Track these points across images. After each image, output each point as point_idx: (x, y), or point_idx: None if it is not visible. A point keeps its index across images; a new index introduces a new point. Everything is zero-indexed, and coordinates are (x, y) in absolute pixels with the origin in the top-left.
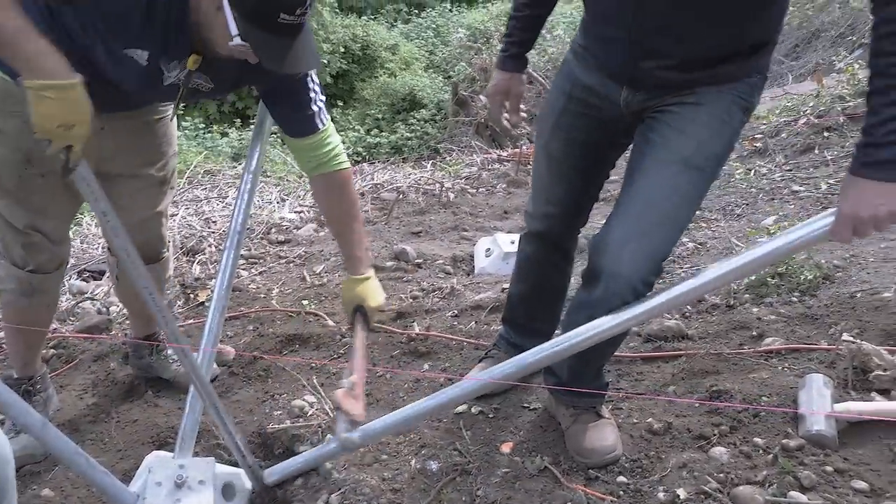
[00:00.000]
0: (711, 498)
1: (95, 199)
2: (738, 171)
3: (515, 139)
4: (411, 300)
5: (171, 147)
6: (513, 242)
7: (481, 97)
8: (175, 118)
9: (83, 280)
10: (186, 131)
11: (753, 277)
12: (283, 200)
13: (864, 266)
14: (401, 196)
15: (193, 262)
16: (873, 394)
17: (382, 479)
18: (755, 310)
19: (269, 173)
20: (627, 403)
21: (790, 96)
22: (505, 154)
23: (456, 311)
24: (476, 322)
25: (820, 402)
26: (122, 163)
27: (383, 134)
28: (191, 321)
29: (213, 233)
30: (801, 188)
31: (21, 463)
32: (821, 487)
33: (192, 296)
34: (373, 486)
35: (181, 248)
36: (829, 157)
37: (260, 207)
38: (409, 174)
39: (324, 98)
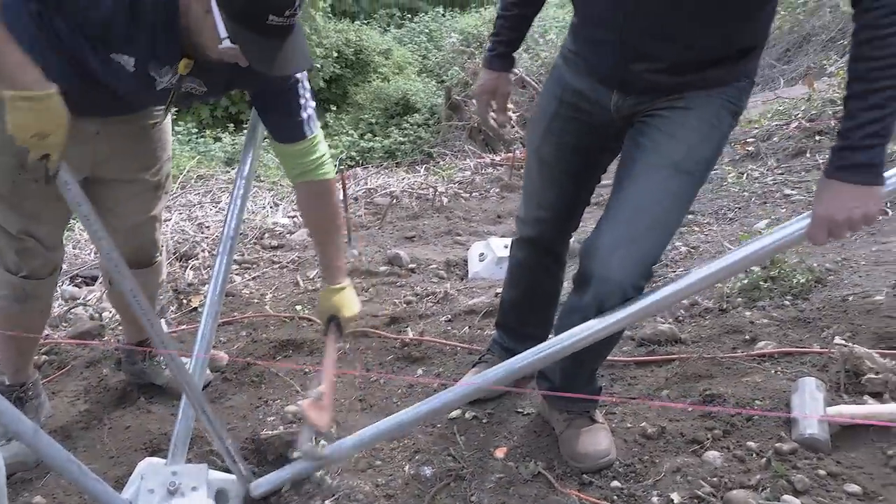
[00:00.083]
0: (705, 502)
1: (78, 204)
2: (730, 175)
3: (509, 143)
4: (405, 305)
5: (165, 152)
6: (506, 247)
7: (474, 101)
8: (169, 122)
9: (75, 286)
10: (179, 136)
11: (746, 281)
12: (277, 205)
13: (855, 269)
14: (394, 201)
15: (186, 267)
16: (865, 397)
17: (376, 485)
18: (748, 313)
19: (262, 178)
20: (621, 408)
21: (782, 100)
22: (498, 158)
23: (450, 316)
24: (470, 327)
25: (812, 406)
26: (117, 167)
27: (377, 138)
28: (184, 327)
29: (206, 238)
30: (793, 192)
31: (12, 470)
32: (814, 491)
33: (185, 301)
34: (366, 492)
35: (174, 254)
36: (821, 161)
37: (253, 212)
38: (403, 179)
39: (314, 105)
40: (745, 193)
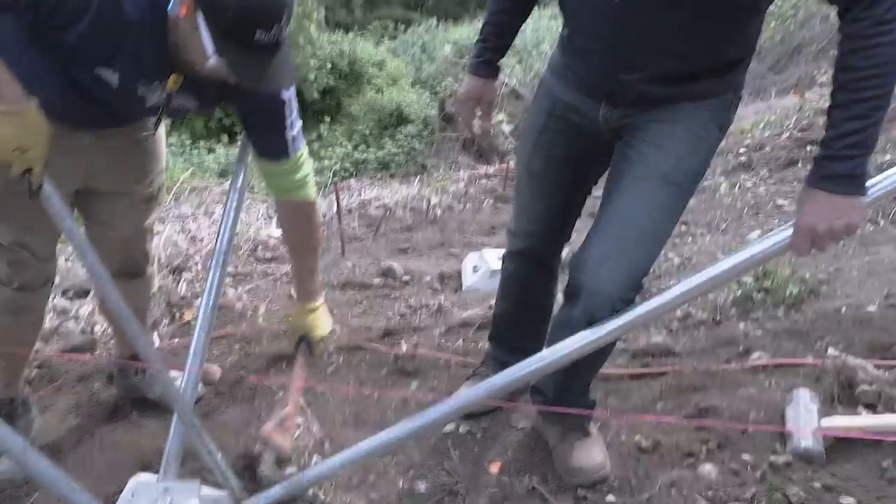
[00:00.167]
0: None
1: (62, 218)
2: (723, 186)
3: (502, 154)
4: (399, 318)
5: (159, 163)
6: (500, 259)
7: (456, 107)
8: (163, 133)
9: (67, 299)
10: (173, 147)
11: (739, 292)
12: (271, 218)
13: (848, 280)
14: (388, 213)
15: (179, 280)
16: (860, 408)
17: (370, 501)
18: (741, 325)
19: (256, 190)
20: (615, 420)
21: (774, 110)
22: (492, 169)
23: (444, 329)
24: (464, 340)
25: (807, 418)
26: (110, 179)
27: (370, 149)
28: (177, 340)
29: (200, 250)
30: (786, 202)
31: (1, 487)
32: None
33: (177, 314)
34: None
35: (167, 267)
36: None
37: (247, 224)
38: (397, 190)
39: (300, 125)
40: (738, 204)
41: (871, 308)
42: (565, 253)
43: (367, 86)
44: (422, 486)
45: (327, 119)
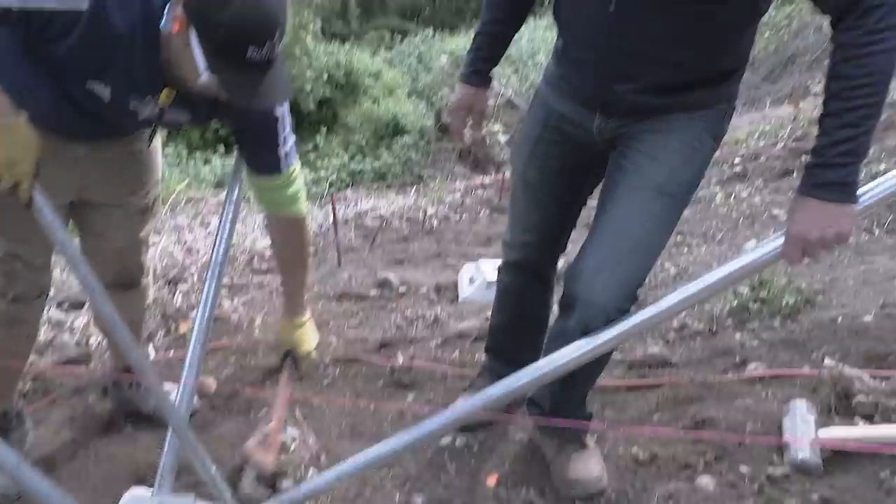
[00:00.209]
0: None
1: (54, 230)
2: (718, 196)
3: (498, 164)
4: (395, 329)
5: (154, 175)
6: (496, 270)
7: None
8: (159, 145)
9: (62, 310)
10: (169, 158)
11: (735, 303)
12: (267, 228)
13: (843, 290)
14: (384, 223)
15: (175, 291)
16: (856, 418)
17: None
18: (738, 335)
19: (252, 201)
20: (612, 432)
21: (768, 120)
22: (488, 179)
23: (440, 340)
24: (460, 351)
25: (804, 429)
26: (104, 191)
27: (367, 160)
28: (172, 352)
29: (195, 262)
30: (781, 211)
31: None
32: None
33: (173, 327)
34: None
35: (163, 278)
36: None
37: (243, 236)
38: (393, 201)
39: (294, 140)
40: (734, 214)
41: (867, 318)
42: (561, 264)
43: (364, 96)
44: (418, 500)
45: (324, 129)
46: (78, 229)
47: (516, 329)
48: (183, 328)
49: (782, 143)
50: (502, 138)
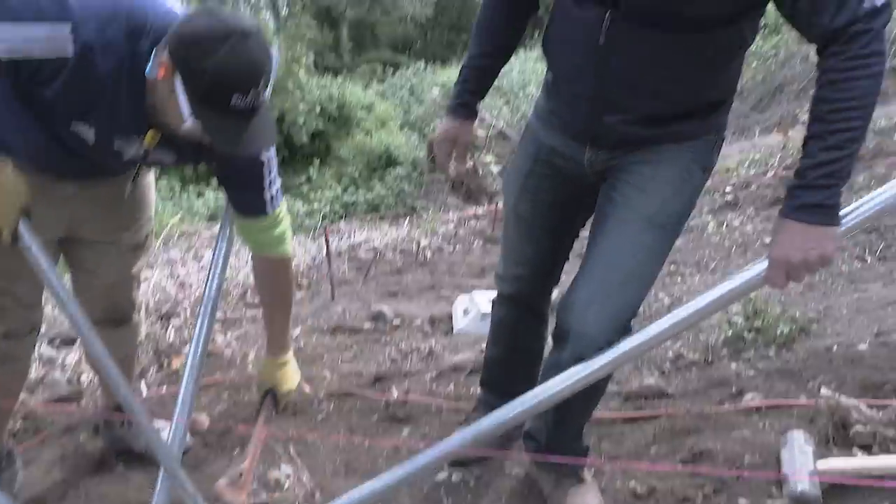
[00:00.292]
0: None
1: (42, 268)
2: (710, 225)
3: (491, 195)
4: (389, 363)
5: (145, 212)
6: (490, 301)
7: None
8: (152, 180)
9: (53, 347)
10: (162, 192)
11: (730, 332)
12: None
13: (838, 318)
14: (378, 255)
15: (168, 326)
16: (854, 449)
17: None
18: (733, 365)
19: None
20: (610, 465)
21: (758, 149)
22: (481, 210)
23: (435, 373)
24: (455, 384)
25: (802, 461)
26: (94, 228)
27: (360, 192)
28: (164, 389)
29: (188, 296)
30: None
31: None
32: None
33: (165, 362)
34: None
35: (155, 313)
36: None
37: (236, 269)
38: (386, 232)
39: (280, 183)
40: (726, 243)
41: (862, 346)
42: (555, 295)
43: (356, 129)
44: None
45: (317, 162)
46: (69, 265)
47: (510, 362)
48: (175, 364)
49: (772, 172)
50: (495, 169)
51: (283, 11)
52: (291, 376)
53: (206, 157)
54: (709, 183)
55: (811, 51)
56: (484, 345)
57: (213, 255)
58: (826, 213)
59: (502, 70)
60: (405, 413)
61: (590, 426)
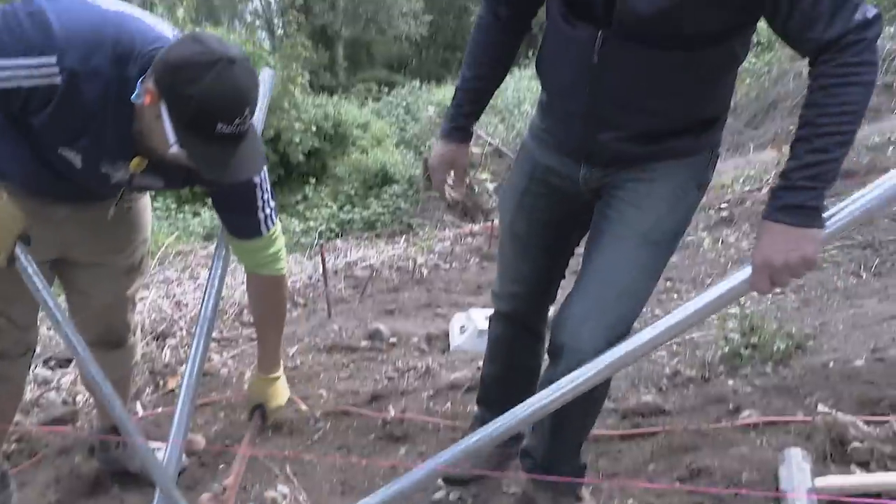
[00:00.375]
0: None
1: (37, 289)
2: (706, 241)
3: (487, 212)
4: (386, 381)
5: (140, 234)
6: (487, 318)
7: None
8: (148, 203)
9: (48, 368)
10: (158, 212)
11: (727, 349)
12: None
13: (834, 334)
14: (374, 273)
15: (163, 346)
16: (853, 466)
17: None
18: (730, 382)
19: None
20: (608, 484)
21: (752, 165)
22: (477, 227)
23: (432, 392)
24: (452, 403)
25: (800, 478)
26: (87, 251)
27: (356, 210)
28: (160, 409)
29: (184, 316)
30: None
31: None
32: None
33: (161, 382)
34: None
35: (151, 333)
36: None
37: (232, 288)
38: (382, 250)
39: (273, 204)
40: (722, 259)
41: (859, 362)
42: (551, 313)
43: (352, 147)
44: None
45: (313, 180)
46: (63, 287)
47: (507, 379)
48: (171, 384)
49: (767, 187)
50: (490, 186)
51: (279, 31)
52: (281, 393)
53: (196, 183)
54: (704, 199)
55: (804, 67)
56: (481, 362)
57: (209, 274)
58: (808, 214)
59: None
60: (402, 432)
61: (587, 444)
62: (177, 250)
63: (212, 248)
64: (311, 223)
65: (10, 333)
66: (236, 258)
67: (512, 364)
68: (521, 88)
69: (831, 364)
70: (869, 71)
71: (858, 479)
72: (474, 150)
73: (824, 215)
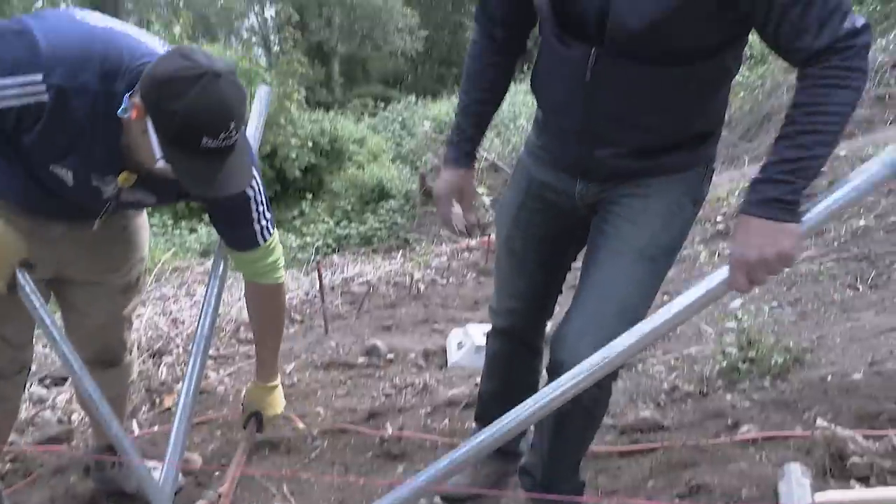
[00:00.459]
0: None
1: (35, 308)
2: (702, 255)
3: (484, 227)
4: (384, 398)
5: (136, 253)
6: (485, 334)
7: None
8: (145, 221)
9: (44, 386)
10: (154, 228)
11: (725, 363)
12: None
13: (832, 348)
14: (371, 289)
15: (160, 364)
16: (852, 481)
17: None
18: (729, 397)
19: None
20: (607, 501)
21: (747, 178)
22: (474, 242)
23: (430, 408)
24: (450, 419)
25: (800, 494)
26: (82, 269)
27: (353, 225)
28: (156, 428)
29: (181, 333)
30: None
31: None
32: None
33: (157, 401)
34: None
35: (147, 350)
36: None
37: (229, 305)
38: (379, 266)
39: (269, 215)
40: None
41: (857, 376)
42: (548, 328)
43: (349, 162)
44: None
45: (309, 196)
46: (59, 305)
47: (505, 396)
48: (168, 402)
49: None
50: (487, 201)
51: (275, 48)
52: (278, 401)
53: (190, 197)
54: (700, 213)
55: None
56: (478, 378)
57: (206, 291)
58: (784, 208)
59: None
60: (400, 449)
61: (586, 461)
62: (173, 267)
63: (208, 264)
64: (308, 239)
65: (5, 352)
66: (236, 269)
67: (510, 380)
68: (517, 103)
69: (829, 378)
70: (857, 77)
71: (858, 494)
72: None
73: (803, 209)
